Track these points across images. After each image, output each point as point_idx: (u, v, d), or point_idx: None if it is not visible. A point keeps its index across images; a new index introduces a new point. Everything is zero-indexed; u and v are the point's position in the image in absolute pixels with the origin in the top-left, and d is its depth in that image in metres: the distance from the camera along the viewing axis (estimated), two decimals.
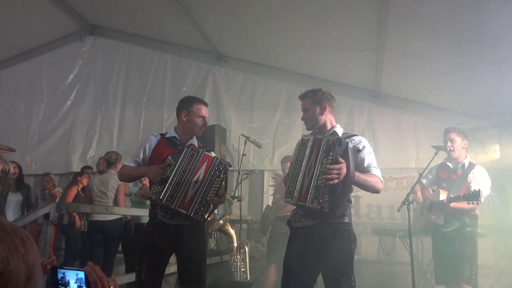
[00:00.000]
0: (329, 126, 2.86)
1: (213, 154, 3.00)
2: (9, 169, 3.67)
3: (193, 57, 7.53)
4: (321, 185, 2.46)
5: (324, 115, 2.84)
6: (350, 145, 2.57)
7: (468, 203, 3.61)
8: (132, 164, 3.01)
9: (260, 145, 5.55)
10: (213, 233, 5.25)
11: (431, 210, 3.98)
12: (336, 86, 6.68)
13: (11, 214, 5.53)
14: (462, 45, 4.69)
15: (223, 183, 2.90)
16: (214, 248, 5.59)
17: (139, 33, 7.74)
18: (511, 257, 5.19)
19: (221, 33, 6.70)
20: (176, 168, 2.81)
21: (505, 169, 5.32)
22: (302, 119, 2.91)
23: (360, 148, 2.71)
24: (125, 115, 7.60)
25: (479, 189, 3.56)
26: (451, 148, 3.98)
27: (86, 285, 1.24)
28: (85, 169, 6.17)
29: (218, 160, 2.88)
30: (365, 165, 2.70)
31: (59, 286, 1.28)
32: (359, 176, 2.60)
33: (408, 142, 6.34)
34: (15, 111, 8.01)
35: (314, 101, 2.83)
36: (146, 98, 7.54)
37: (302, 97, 2.90)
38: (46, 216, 3.24)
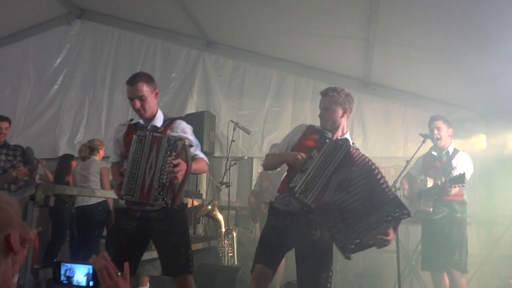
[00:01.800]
0: (341, 132, 2.84)
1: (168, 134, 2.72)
2: None
3: (183, 43, 7.45)
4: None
5: (344, 118, 2.82)
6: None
7: (454, 187, 3.65)
8: (117, 160, 2.98)
9: (249, 131, 5.55)
10: (201, 218, 5.25)
11: (420, 199, 4.01)
12: (326, 74, 6.70)
13: None
14: (452, 35, 4.70)
15: (182, 159, 2.63)
16: (202, 233, 5.59)
17: (128, 18, 7.63)
18: (494, 245, 5.27)
19: (211, 19, 6.63)
20: (130, 159, 2.65)
21: (491, 160, 5.39)
22: (321, 116, 2.83)
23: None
24: (114, 100, 7.51)
25: (463, 172, 3.61)
26: (438, 136, 4.01)
27: (93, 280, 1.20)
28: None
29: (166, 138, 2.61)
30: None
31: (62, 281, 1.23)
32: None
33: (396, 131, 6.38)
34: (1, 95, 7.87)
35: (337, 101, 2.77)
36: None
37: (326, 94, 2.82)
38: (32, 197, 3.20)
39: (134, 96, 2.78)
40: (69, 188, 4.00)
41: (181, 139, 2.65)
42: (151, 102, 2.84)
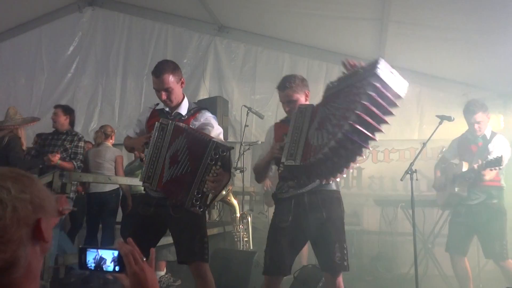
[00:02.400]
0: None
1: (216, 140, 2.53)
2: None
3: (195, 28, 7.42)
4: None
5: (307, 102, 2.82)
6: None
7: (491, 169, 3.54)
8: (133, 135, 2.97)
9: (263, 116, 5.51)
10: (215, 203, 5.28)
11: (455, 183, 3.89)
12: (339, 56, 6.56)
13: None
14: (467, 14, 4.59)
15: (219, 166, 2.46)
16: (217, 219, 5.63)
17: (139, 4, 7.59)
18: (510, 230, 5.20)
19: (222, 3, 6.58)
20: (150, 146, 2.62)
21: (509, 140, 5.28)
22: (290, 109, 2.79)
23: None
24: (126, 87, 7.54)
25: (501, 155, 3.47)
26: (479, 130, 3.84)
27: (119, 265, 1.21)
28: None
29: (214, 145, 2.44)
30: None
31: (89, 266, 1.25)
32: None
33: (411, 113, 6.29)
34: (16, 84, 7.95)
35: (298, 90, 2.78)
36: (147, 70, 7.43)
37: (284, 88, 2.80)
38: (49, 184, 3.24)
39: (160, 88, 2.69)
40: (85, 175, 4.04)
41: (229, 149, 2.50)
42: (178, 92, 2.76)
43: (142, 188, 2.90)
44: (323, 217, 2.65)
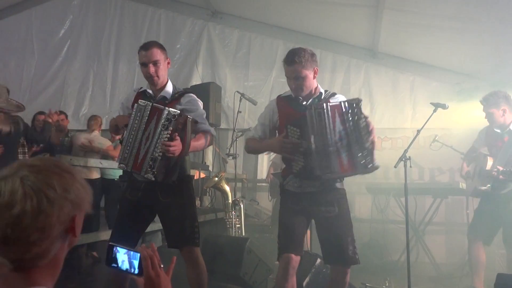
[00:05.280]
0: (313, 92, 2.72)
1: (169, 108, 2.56)
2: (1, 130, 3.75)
3: (188, 13, 7.32)
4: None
5: (315, 79, 2.70)
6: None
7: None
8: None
9: (256, 102, 5.48)
10: (207, 190, 5.26)
11: (479, 177, 3.89)
12: (333, 44, 6.59)
13: None
14: (461, 3, 4.58)
15: (180, 134, 2.54)
16: (209, 205, 5.62)
17: None
18: None
19: None
20: (128, 127, 2.62)
21: None
22: (296, 86, 2.63)
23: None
24: (118, 72, 7.45)
25: None
26: (491, 121, 3.82)
27: (139, 268, 1.23)
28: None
29: (166, 112, 2.51)
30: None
31: (113, 264, 1.28)
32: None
33: (404, 102, 6.30)
34: (6, 67, 7.81)
35: (308, 66, 2.59)
36: None
37: (292, 62, 2.58)
38: None
39: (148, 61, 2.71)
40: (76, 159, 3.99)
41: (181, 114, 2.53)
42: (164, 70, 2.78)
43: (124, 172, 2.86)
44: (335, 211, 2.61)
